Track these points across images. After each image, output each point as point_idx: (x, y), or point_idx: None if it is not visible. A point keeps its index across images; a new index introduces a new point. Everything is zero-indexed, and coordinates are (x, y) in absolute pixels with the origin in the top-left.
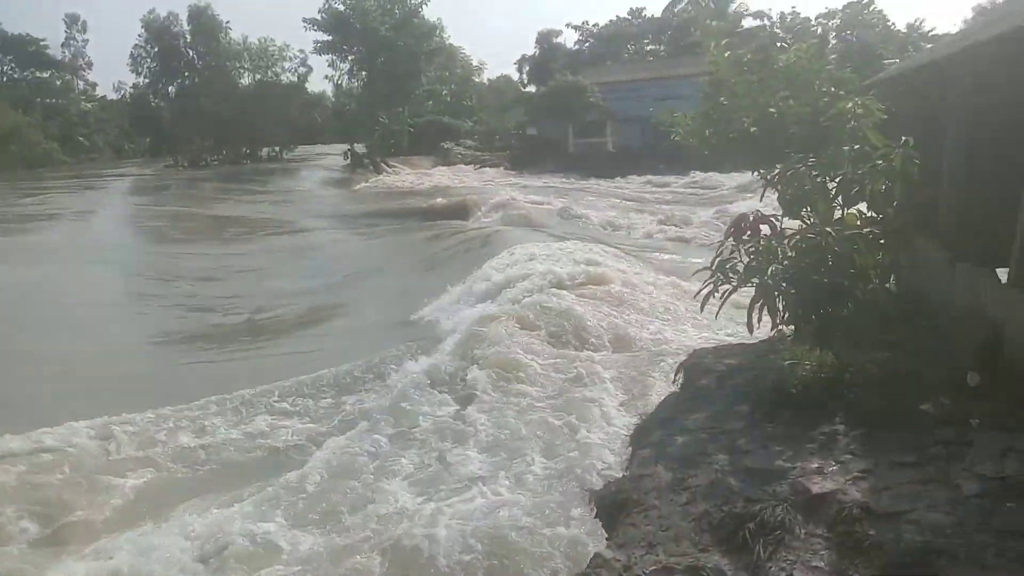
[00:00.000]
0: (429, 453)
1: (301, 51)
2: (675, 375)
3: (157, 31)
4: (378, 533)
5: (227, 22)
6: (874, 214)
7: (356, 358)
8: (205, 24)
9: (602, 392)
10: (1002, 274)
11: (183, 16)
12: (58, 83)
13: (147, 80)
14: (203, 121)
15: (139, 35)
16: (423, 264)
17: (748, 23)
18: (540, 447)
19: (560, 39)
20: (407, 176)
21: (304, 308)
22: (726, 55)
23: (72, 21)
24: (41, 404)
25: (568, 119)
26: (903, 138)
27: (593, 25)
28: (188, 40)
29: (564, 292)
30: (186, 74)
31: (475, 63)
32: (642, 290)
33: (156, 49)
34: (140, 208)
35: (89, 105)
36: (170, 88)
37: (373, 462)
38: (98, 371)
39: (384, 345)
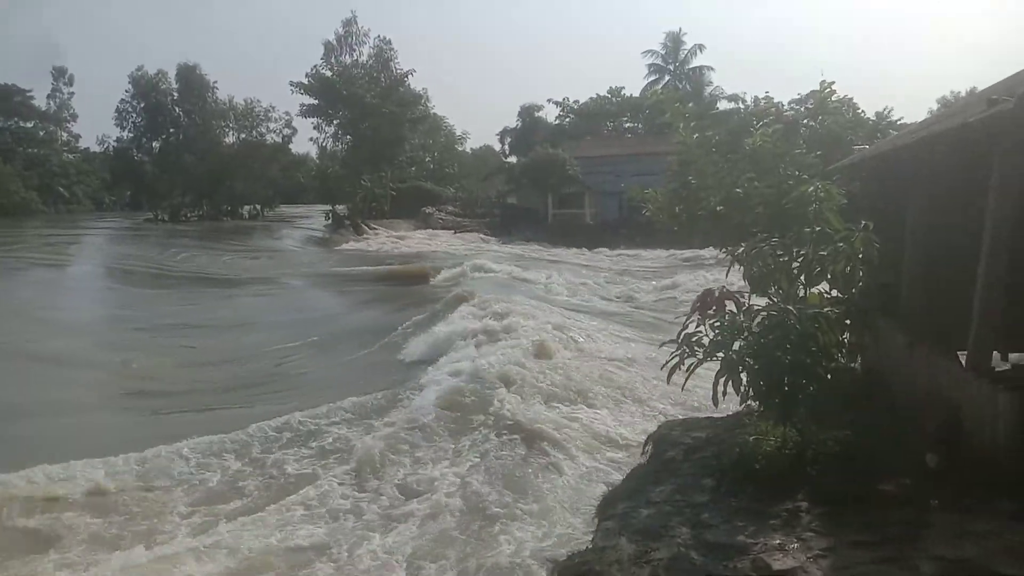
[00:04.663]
0: None
1: (287, 113)
2: (644, 446)
3: (144, 88)
4: None
5: (215, 82)
6: (837, 294)
7: None
8: (193, 83)
9: None
10: (962, 356)
11: (171, 74)
12: (41, 133)
13: (131, 134)
14: (185, 176)
15: (126, 91)
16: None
17: (723, 105)
18: None
19: (541, 113)
20: (387, 239)
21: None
22: (694, 136)
23: (59, 74)
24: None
25: (547, 190)
26: (863, 222)
27: (574, 102)
28: (175, 98)
29: None
30: (171, 130)
31: (458, 132)
32: None
33: (142, 105)
34: (119, 261)
35: (71, 156)
36: (154, 143)
37: None
38: (72, 420)
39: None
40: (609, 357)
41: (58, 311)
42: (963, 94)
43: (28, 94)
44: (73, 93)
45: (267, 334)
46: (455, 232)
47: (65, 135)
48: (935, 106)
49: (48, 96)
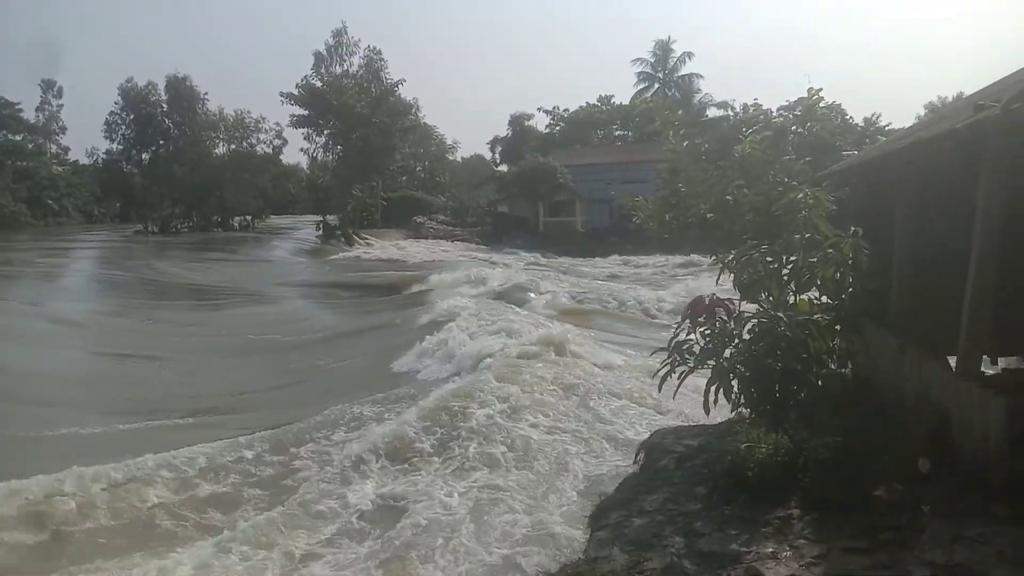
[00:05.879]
0: None
1: (277, 124)
2: (636, 455)
3: (134, 100)
4: None
5: (205, 93)
6: (828, 300)
7: None
8: (183, 94)
9: None
10: (952, 361)
11: (161, 86)
12: (30, 146)
13: (121, 147)
14: (175, 188)
15: (115, 103)
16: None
17: (712, 112)
18: None
19: (532, 122)
20: (379, 249)
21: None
22: (684, 144)
23: (48, 86)
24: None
25: (538, 198)
26: (852, 228)
27: (564, 110)
28: (165, 109)
29: None
30: (160, 142)
31: (449, 142)
32: None
33: (132, 117)
34: (107, 273)
35: (60, 169)
36: (144, 155)
37: None
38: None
39: None
40: None
41: (51, 320)
42: (950, 99)
43: (17, 107)
44: (62, 105)
45: (269, 345)
46: (448, 241)
47: (54, 148)
48: (923, 111)
49: (37, 109)
